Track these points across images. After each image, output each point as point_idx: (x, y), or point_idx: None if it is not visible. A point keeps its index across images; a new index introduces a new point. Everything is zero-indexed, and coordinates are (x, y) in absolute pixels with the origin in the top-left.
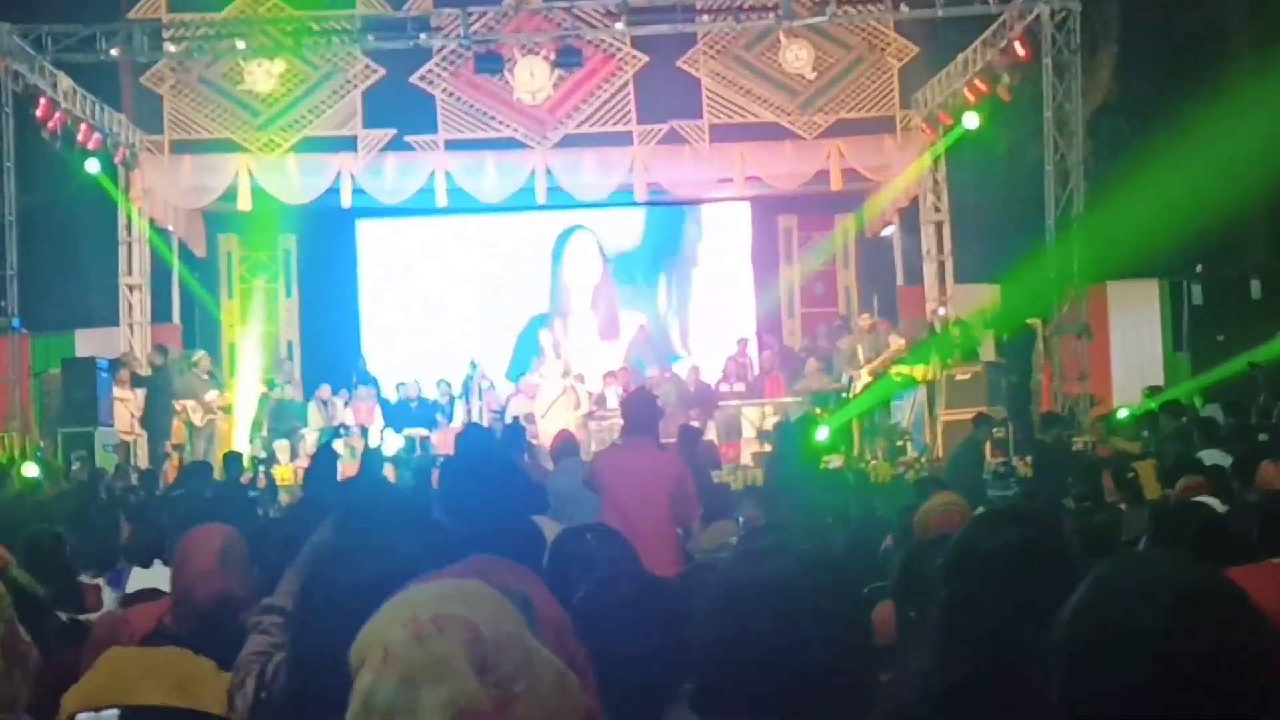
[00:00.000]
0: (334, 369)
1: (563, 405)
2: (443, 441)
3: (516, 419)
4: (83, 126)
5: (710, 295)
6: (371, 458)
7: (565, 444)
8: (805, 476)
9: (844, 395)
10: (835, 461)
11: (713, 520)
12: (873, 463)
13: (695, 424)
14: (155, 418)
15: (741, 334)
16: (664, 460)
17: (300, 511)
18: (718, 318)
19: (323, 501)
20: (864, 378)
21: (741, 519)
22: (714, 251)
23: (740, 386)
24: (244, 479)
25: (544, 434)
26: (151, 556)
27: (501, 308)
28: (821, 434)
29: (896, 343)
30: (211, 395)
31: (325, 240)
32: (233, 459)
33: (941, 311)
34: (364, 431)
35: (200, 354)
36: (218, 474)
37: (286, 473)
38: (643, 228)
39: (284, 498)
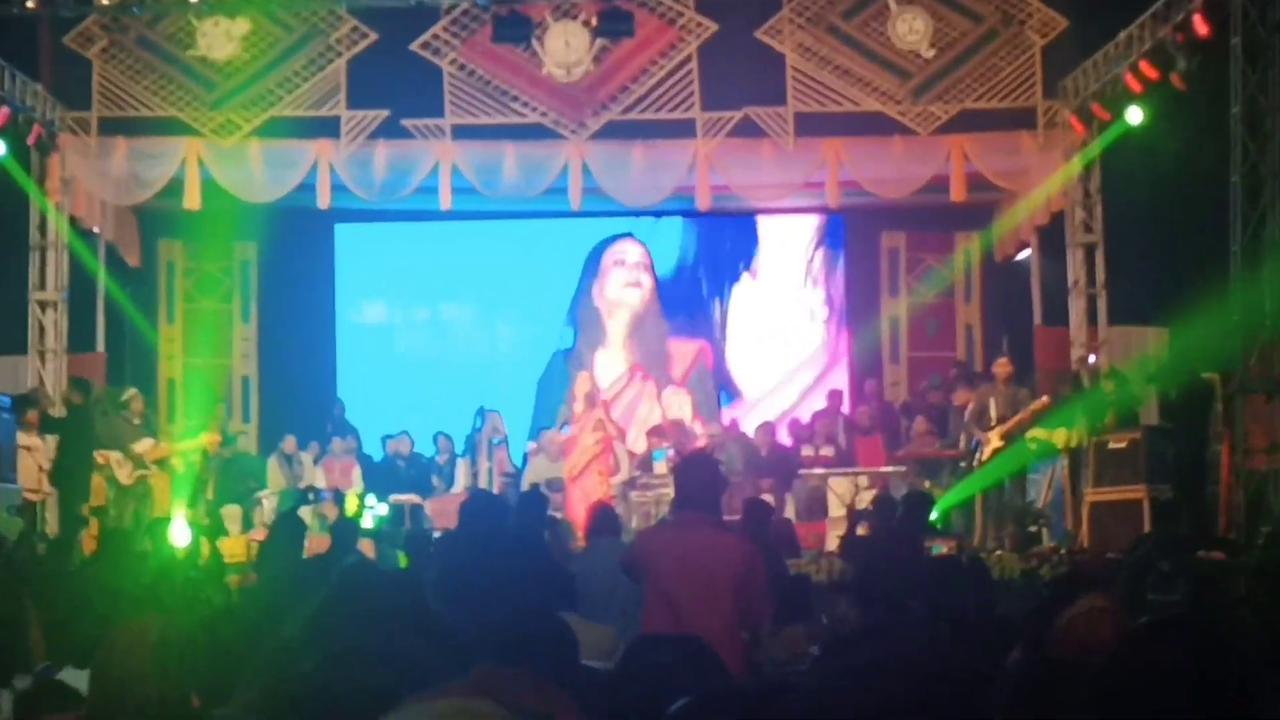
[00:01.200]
0: (302, 415)
1: (597, 469)
2: (440, 511)
3: (536, 485)
4: None
5: (786, 333)
6: (346, 530)
7: (601, 519)
8: (909, 569)
9: (963, 464)
10: (948, 549)
11: (787, 622)
12: (998, 552)
13: (767, 497)
14: (70, 472)
15: (830, 383)
16: (727, 544)
17: (256, 597)
18: (795, 363)
19: (283, 586)
20: (993, 442)
21: (825, 621)
22: (792, 276)
23: (827, 450)
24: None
25: (573, 505)
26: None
27: (521, 342)
28: (931, 513)
29: (1039, 401)
30: (143, 446)
31: (295, 250)
32: (167, 527)
33: (1091, 360)
34: (338, 496)
35: (131, 392)
36: (148, 546)
37: (236, 546)
38: (692, 243)
39: (233, 579)
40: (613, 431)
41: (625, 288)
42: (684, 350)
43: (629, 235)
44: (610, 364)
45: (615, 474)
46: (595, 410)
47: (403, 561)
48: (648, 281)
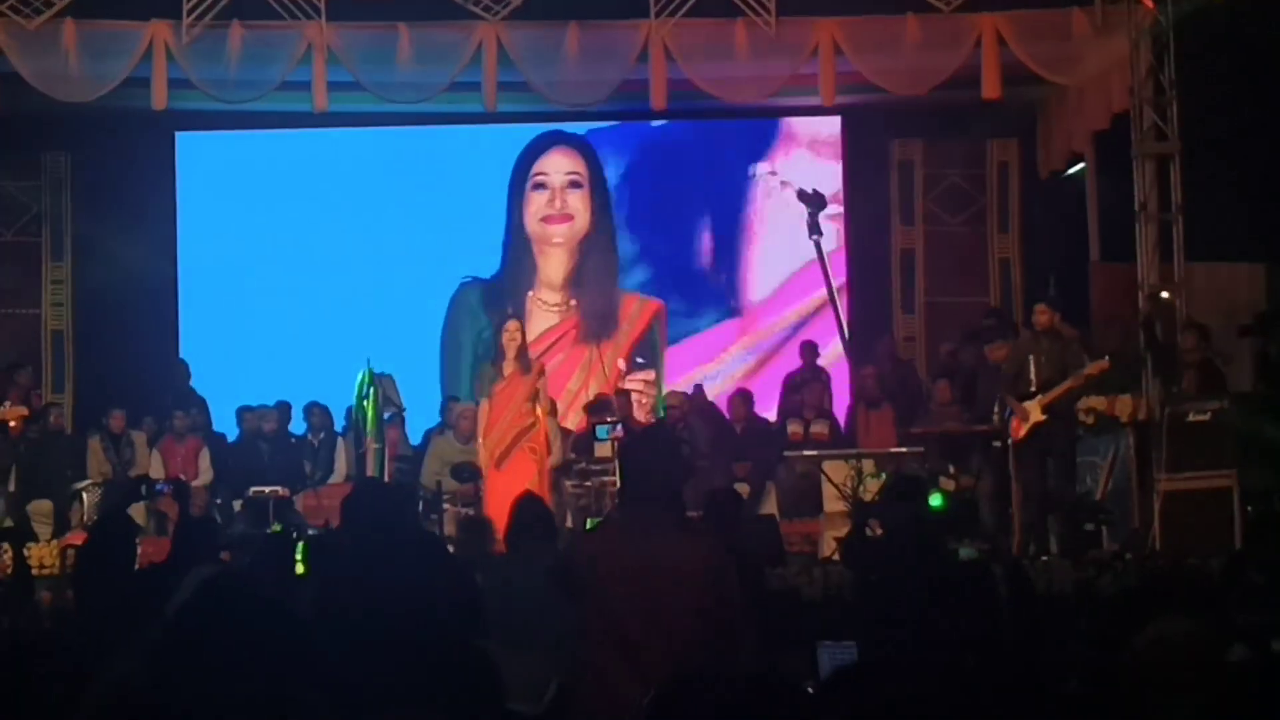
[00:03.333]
0: (133, 383)
1: (529, 450)
2: (315, 508)
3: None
4: None
5: (768, 269)
6: (199, 530)
7: (529, 515)
8: (924, 578)
9: (996, 443)
10: (978, 553)
11: (770, 652)
12: (1044, 558)
13: (742, 486)
14: None
15: (822, 336)
16: (690, 548)
17: (76, 624)
18: (781, 308)
19: (110, 608)
20: (1034, 414)
21: (824, 653)
22: (776, 199)
23: (820, 425)
24: None
25: (493, 498)
26: None
27: (419, 280)
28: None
29: (1095, 363)
30: None
31: (123, 166)
32: None
33: (1165, 300)
34: (179, 489)
35: None
36: None
37: (47, 554)
38: (653, 152)
39: (44, 596)
40: (544, 404)
41: (548, 220)
42: (638, 308)
43: (556, 137)
44: (538, 315)
45: (545, 455)
46: (528, 375)
47: (300, 568)
48: (582, 209)
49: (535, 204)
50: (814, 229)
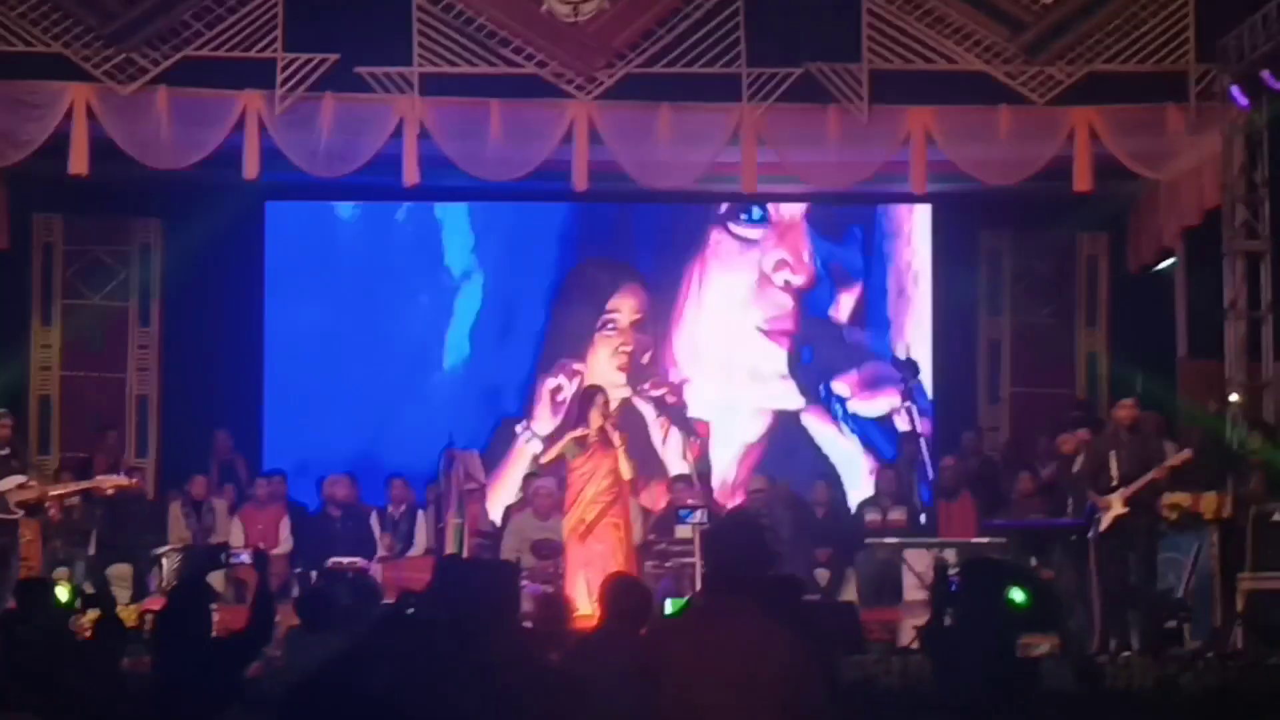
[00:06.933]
0: (214, 449)
1: (608, 525)
2: (394, 580)
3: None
4: None
5: (849, 357)
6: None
7: (626, 595)
8: (995, 673)
9: (1075, 537)
10: (1049, 647)
11: None
12: (1124, 654)
13: (822, 573)
14: None
15: (905, 424)
16: (770, 642)
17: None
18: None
19: (186, 672)
20: (1116, 507)
21: None
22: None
23: (897, 512)
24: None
25: (571, 569)
26: None
27: (505, 357)
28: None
29: (1177, 455)
30: (10, 483)
31: (211, 233)
32: (37, 590)
33: (1233, 400)
34: (258, 557)
35: None
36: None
37: (125, 617)
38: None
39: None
40: (628, 473)
41: (622, 369)
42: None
43: (628, 274)
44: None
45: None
46: (613, 448)
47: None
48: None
49: (606, 347)
50: (907, 395)
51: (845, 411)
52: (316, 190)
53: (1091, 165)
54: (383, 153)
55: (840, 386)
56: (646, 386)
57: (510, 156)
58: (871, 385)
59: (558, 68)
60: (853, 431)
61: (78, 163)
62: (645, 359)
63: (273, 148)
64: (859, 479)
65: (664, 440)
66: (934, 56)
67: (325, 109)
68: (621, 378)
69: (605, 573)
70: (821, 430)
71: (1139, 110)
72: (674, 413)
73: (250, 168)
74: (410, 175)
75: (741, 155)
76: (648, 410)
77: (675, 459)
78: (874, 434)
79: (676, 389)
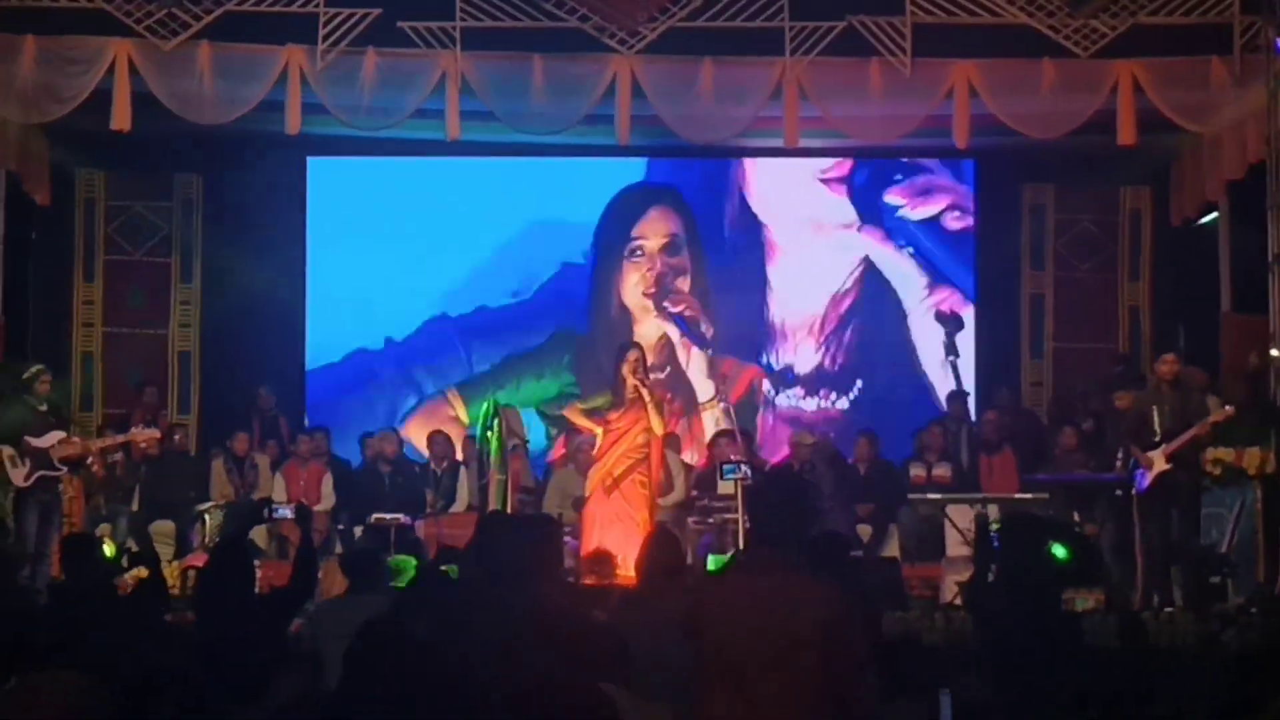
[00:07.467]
0: (256, 406)
1: (635, 482)
2: (435, 535)
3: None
4: None
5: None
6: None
7: (664, 551)
8: (1038, 628)
9: (1120, 493)
10: (1095, 602)
11: (892, 699)
12: (1166, 610)
13: (864, 528)
14: None
15: (949, 384)
16: (808, 592)
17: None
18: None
19: (228, 632)
20: (1159, 463)
21: (946, 699)
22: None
23: (942, 468)
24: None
25: (589, 523)
26: None
27: (549, 314)
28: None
29: (1220, 410)
30: (52, 439)
31: (253, 189)
32: (83, 546)
33: (1274, 354)
34: (301, 513)
35: (37, 369)
36: (56, 572)
37: (169, 575)
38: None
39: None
40: (659, 429)
41: (649, 296)
42: (735, 372)
43: (652, 195)
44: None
45: (665, 493)
46: (647, 405)
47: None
48: (682, 276)
49: (633, 275)
50: (950, 349)
51: (898, 223)
52: (358, 145)
53: (1135, 118)
54: (425, 107)
55: (893, 197)
56: (667, 304)
57: (553, 111)
58: (923, 193)
59: (600, 22)
60: (906, 245)
61: (120, 118)
62: (678, 283)
63: (315, 103)
64: (916, 299)
65: (687, 363)
66: (977, 9)
67: (367, 64)
68: (649, 304)
69: (623, 529)
70: (879, 251)
71: (1183, 63)
72: (692, 332)
73: (292, 123)
74: (453, 130)
75: (785, 109)
76: (671, 330)
77: (699, 379)
78: (926, 242)
79: (694, 304)
